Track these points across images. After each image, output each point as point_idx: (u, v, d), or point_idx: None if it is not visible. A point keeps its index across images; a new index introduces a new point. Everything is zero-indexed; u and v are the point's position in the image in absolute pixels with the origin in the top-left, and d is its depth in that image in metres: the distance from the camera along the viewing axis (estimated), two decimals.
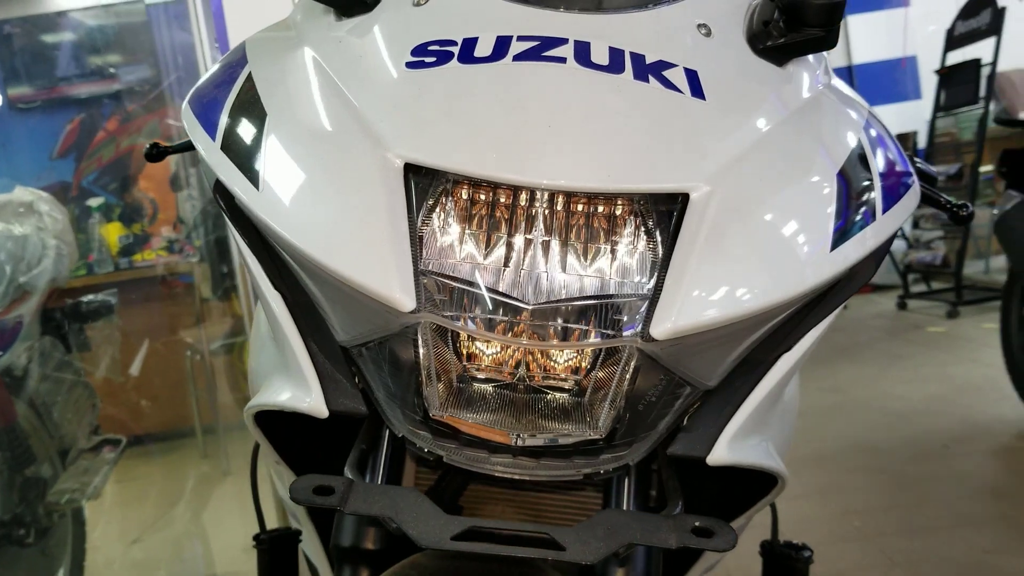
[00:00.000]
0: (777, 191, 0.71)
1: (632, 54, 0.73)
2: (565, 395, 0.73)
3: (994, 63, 6.08)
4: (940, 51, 6.69)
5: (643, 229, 0.69)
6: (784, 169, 0.73)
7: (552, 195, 0.69)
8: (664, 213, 0.69)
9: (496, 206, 0.70)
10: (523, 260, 0.68)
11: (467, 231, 0.70)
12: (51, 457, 2.34)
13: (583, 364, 0.72)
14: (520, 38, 0.73)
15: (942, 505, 2.88)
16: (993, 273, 6.73)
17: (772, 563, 1.20)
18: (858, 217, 0.74)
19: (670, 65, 0.73)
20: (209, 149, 0.77)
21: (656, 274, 0.68)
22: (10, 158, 4.47)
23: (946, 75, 6.60)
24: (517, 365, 0.73)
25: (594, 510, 0.95)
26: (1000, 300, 3.82)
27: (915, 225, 6.71)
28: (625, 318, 0.68)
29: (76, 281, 3.55)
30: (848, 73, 7.48)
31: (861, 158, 0.78)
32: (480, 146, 0.67)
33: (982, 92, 6.18)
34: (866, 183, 0.77)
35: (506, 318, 0.68)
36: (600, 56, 0.72)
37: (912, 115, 7.35)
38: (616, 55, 0.73)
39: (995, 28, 6.02)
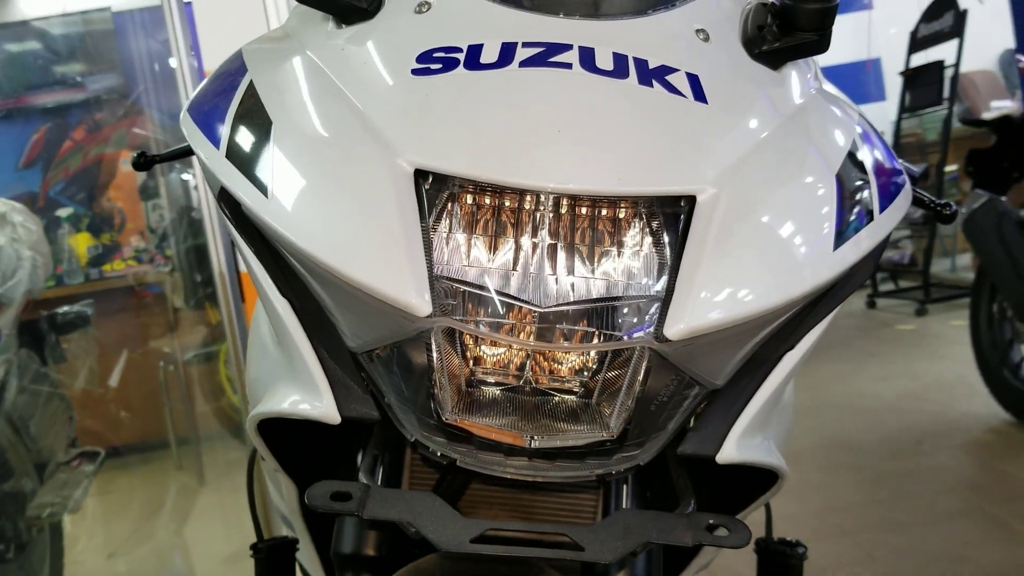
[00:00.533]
0: (780, 192, 0.72)
1: (635, 59, 0.74)
2: (572, 397, 0.74)
3: (957, 65, 6.17)
4: (904, 53, 6.79)
5: (648, 231, 0.70)
6: (785, 171, 0.74)
7: (557, 199, 0.69)
8: (670, 215, 0.70)
9: (502, 210, 0.71)
10: (531, 263, 0.69)
11: (475, 236, 0.70)
12: (28, 471, 2.31)
13: (588, 366, 0.73)
14: (525, 44, 0.73)
15: (919, 500, 2.92)
16: (960, 271, 6.84)
17: (767, 560, 1.20)
18: (857, 218, 0.75)
19: (672, 70, 0.74)
20: (213, 157, 0.77)
21: (666, 275, 0.69)
22: None
23: (910, 77, 6.70)
24: (521, 368, 0.73)
25: (588, 511, 0.95)
26: (968, 298, 3.88)
27: None
28: (635, 320, 0.69)
29: (47, 292, 3.50)
30: None
31: (856, 159, 0.80)
32: (490, 151, 0.67)
33: (946, 93, 6.28)
34: (861, 184, 0.78)
35: (519, 322, 0.69)
36: (605, 61, 0.73)
37: (877, 116, 7.44)
38: (620, 60, 0.73)
39: (957, 30, 6.12)
